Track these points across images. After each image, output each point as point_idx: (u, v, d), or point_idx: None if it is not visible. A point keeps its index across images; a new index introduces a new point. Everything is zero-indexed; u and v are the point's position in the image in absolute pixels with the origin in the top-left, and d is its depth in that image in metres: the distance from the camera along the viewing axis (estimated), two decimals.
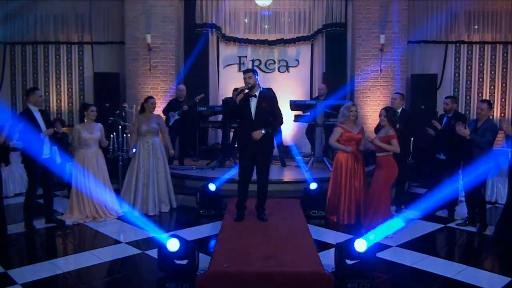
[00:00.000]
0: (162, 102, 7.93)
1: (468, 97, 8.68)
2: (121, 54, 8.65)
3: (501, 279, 3.69)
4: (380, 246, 4.35)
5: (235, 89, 7.26)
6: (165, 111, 7.44)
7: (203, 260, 3.72)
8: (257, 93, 4.73)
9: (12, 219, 5.22)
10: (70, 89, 9.04)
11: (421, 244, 4.56)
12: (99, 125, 5.49)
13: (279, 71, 8.92)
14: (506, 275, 3.75)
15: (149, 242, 4.55)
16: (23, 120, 4.81)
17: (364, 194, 5.10)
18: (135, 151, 5.73)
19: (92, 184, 5.34)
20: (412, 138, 6.03)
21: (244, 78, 4.71)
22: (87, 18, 8.85)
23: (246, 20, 8.86)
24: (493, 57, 8.57)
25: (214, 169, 6.97)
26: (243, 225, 4.74)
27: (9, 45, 8.92)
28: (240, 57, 8.93)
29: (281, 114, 4.84)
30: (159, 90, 8.23)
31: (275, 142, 5.06)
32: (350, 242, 3.31)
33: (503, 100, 8.62)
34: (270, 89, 4.97)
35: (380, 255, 4.09)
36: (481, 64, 8.62)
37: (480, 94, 8.60)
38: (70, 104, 9.04)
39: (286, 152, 7.86)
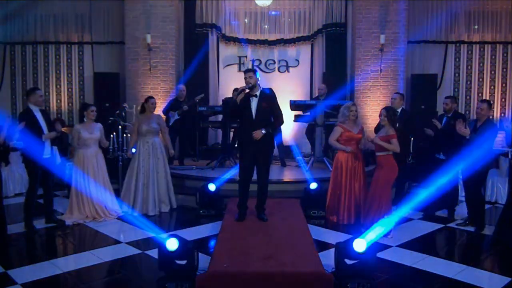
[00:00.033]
0: (162, 102, 7.93)
1: (468, 97, 8.68)
2: (121, 54, 8.65)
3: (501, 279, 3.69)
4: (380, 246, 4.35)
5: (235, 89, 7.26)
6: (165, 111, 7.44)
7: (203, 260, 3.73)
8: (257, 93, 4.74)
9: (12, 219, 5.22)
10: (70, 89, 9.03)
11: (421, 244, 4.56)
12: (99, 125, 5.49)
13: (279, 71, 8.92)
14: (506, 275, 3.75)
15: (149, 242, 4.55)
16: (24, 120, 4.81)
17: (364, 194, 5.10)
18: (135, 151, 5.72)
19: (92, 184, 5.35)
20: (412, 138, 6.04)
21: (245, 78, 4.71)
22: (87, 18, 8.85)
23: (246, 20, 8.86)
24: (493, 57, 8.57)
25: (214, 169, 6.97)
26: (243, 225, 4.74)
27: (9, 45, 8.92)
28: (240, 57, 8.93)
29: (282, 114, 4.84)
30: (159, 90, 8.23)
31: (275, 142, 5.06)
32: (350, 242, 3.31)
33: (503, 100, 8.62)
34: (270, 89, 4.98)
35: (380, 255, 4.09)
36: (481, 64, 8.62)
37: (480, 94, 8.60)
38: (70, 104, 9.04)
39: (286, 152, 7.86)
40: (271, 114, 4.77)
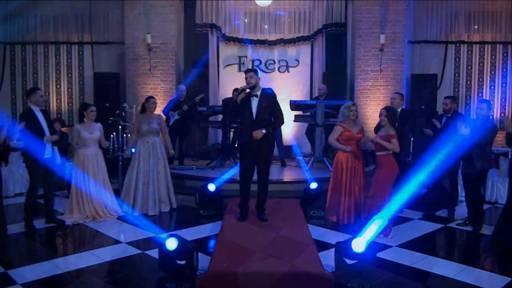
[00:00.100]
0: (163, 102, 7.93)
1: (468, 97, 8.68)
2: (121, 54, 8.65)
3: (501, 279, 3.69)
4: (380, 246, 4.35)
5: (235, 89, 7.26)
6: (166, 111, 7.45)
7: (203, 260, 3.73)
8: (258, 93, 4.74)
9: (12, 219, 5.22)
10: (70, 89, 9.03)
11: (421, 244, 4.56)
12: (99, 125, 5.49)
13: (279, 71, 8.92)
14: (506, 275, 3.75)
15: (149, 242, 4.55)
16: (24, 120, 4.82)
17: (364, 194, 5.10)
18: (134, 151, 5.72)
19: (92, 184, 5.35)
20: (412, 138, 6.04)
21: (246, 78, 4.71)
22: (87, 18, 8.85)
23: (246, 20, 8.86)
24: (493, 57, 8.57)
25: (214, 169, 6.97)
26: (243, 225, 4.74)
27: (9, 45, 8.92)
28: (240, 57, 8.93)
29: (282, 114, 4.84)
30: (159, 90, 8.24)
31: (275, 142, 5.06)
32: (350, 242, 3.31)
33: (503, 100, 8.62)
34: (270, 89, 4.99)
35: (380, 255, 4.09)
36: (481, 64, 8.61)
37: (480, 94, 8.60)
38: (70, 104, 9.04)
39: (286, 152, 7.86)
40: (271, 114, 4.77)
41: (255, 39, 8.80)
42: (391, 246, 4.44)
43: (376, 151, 4.84)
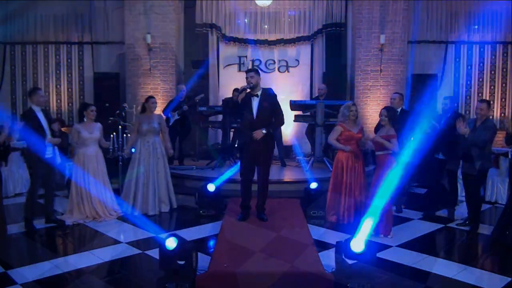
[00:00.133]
0: (163, 102, 7.93)
1: (468, 97, 8.68)
2: (121, 54, 8.65)
3: (501, 279, 3.69)
4: (380, 246, 4.35)
5: (235, 89, 7.28)
6: (170, 111, 7.44)
7: (203, 260, 3.73)
8: (259, 93, 4.74)
9: (12, 219, 5.22)
10: (70, 89, 9.04)
11: (421, 244, 4.56)
12: (99, 124, 5.49)
13: (279, 71, 8.93)
14: (506, 275, 3.75)
15: (149, 242, 4.55)
16: (26, 120, 4.82)
17: (364, 194, 5.10)
18: (134, 151, 5.72)
19: (92, 184, 5.35)
20: (412, 138, 6.03)
21: (247, 78, 4.72)
22: (87, 18, 8.86)
23: (246, 20, 8.87)
24: (493, 57, 8.57)
25: (214, 169, 6.97)
26: (243, 225, 4.75)
27: (9, 45, 8.92)
28: (240, 57, 8.94)
29: (283, 114, 4.84)
30: (159, 90, 8.24)
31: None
32: (350, 242, 3.31)
33: (503, 100, 8.62)
34: (271, 89, 5.00)
35: (380, 255, 4.08)
36: (481, 64, 8.61)
37: (480, 94, 8.60)
38: (70, 104, 9.05)
39: (286, 152, 7.86)
40: (272, 114, 4.77)
41: (255, 39, 8.81)
42: (391, 246, 4.44)
43: (376, 151, 4.84)
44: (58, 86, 9.00)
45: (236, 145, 7.30)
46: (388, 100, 7.50)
